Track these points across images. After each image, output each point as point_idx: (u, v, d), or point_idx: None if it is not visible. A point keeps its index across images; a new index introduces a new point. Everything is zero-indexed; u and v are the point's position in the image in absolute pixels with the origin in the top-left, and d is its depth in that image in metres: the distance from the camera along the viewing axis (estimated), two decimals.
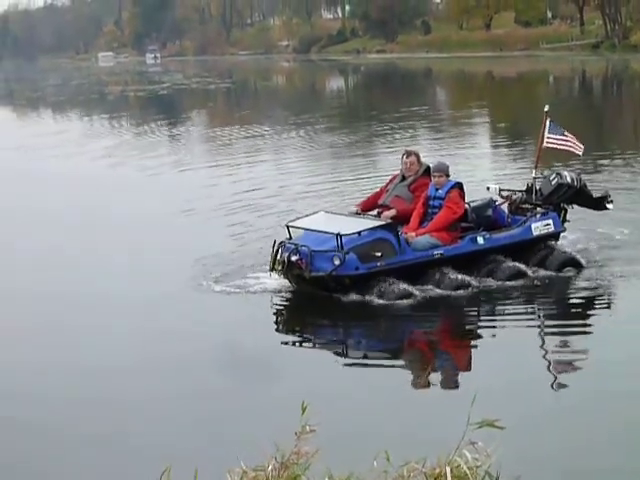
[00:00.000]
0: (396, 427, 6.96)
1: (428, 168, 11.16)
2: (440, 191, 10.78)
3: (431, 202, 10.82)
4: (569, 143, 11.76)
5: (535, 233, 11.19)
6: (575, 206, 11.77)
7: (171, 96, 54.10)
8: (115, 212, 16.04)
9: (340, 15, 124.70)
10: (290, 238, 10.70)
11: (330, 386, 8.04)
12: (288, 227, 10.85)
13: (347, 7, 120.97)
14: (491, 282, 10.57)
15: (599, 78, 55.82)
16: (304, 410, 4.07)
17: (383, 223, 10.59)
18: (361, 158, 22.56)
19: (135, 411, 7.66)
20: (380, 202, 11.35)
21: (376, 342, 9.72)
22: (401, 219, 10.88)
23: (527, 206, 11.59)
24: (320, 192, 16.93)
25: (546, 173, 11.93)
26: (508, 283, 10.55)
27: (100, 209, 16.36)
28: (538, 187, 11.61)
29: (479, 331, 9.78)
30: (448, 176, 10.90)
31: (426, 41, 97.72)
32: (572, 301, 10.54)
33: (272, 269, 10.53)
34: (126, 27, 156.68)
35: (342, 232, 10.16)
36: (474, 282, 10.47)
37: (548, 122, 11.71)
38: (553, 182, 11.46)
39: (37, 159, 25.05)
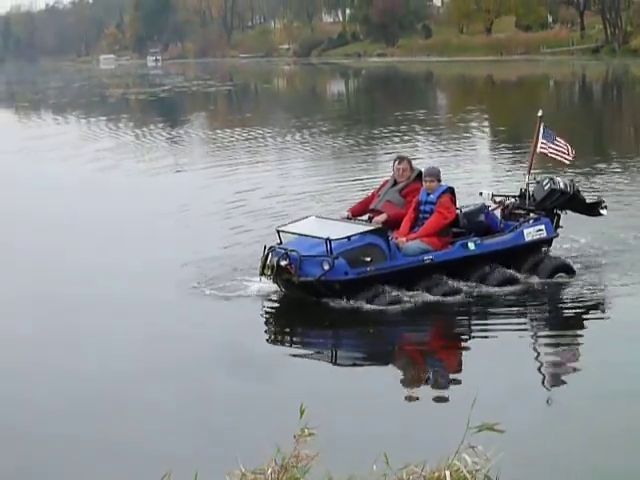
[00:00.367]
0: (395, 430, 6.94)
1: (420, 173, 11.11)
2: (431, 196, 10.72)
3: (422, 207, 10.76)
4: (559, 150, 11.70)
5: (527, 239, 11.10)
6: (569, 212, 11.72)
7: (172, 99, 54.11)
8: (110, 215, 16.01)
9: (341, 19, 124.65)
10: (280, 243, 10.66)
11: (328, 389, 8.03)
12: (278, 232, 10.82)
13: (348, 11, 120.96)
14: (483, 288, 10.49)
15: (599, 82, 55.85)
16: (302, 413, 4.07)
17: (373, 228, 10.51)
18: (360, 161, 22.53)
19: (135, 413, 7.63)
20: (371, 207, 11.29)
21: (371, 347, 9.65)
22: (392, 224, 10.82)
23: (520, 211, 11.53)
24: (320, 194, 16.89)
25: (539, 178, 11.86)
26: (500, 289, 10.48)
27: (95, 212, 16.35)
28: (531, 192, 11.55)
29: (475, 336, 9.72)
30: (440, 181, 10.84)
31: (427, 45, 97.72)
32: (565, 306, 10.45)
33: (262, 274, 10.49)
34: (127, 30, 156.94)
35: (332, 237, 10.10)
36: (465, 288, 10.41)
37: (542, 127, 11.66)
38: (546, 187, 11.40)
39: (38, 162, 25.00)
